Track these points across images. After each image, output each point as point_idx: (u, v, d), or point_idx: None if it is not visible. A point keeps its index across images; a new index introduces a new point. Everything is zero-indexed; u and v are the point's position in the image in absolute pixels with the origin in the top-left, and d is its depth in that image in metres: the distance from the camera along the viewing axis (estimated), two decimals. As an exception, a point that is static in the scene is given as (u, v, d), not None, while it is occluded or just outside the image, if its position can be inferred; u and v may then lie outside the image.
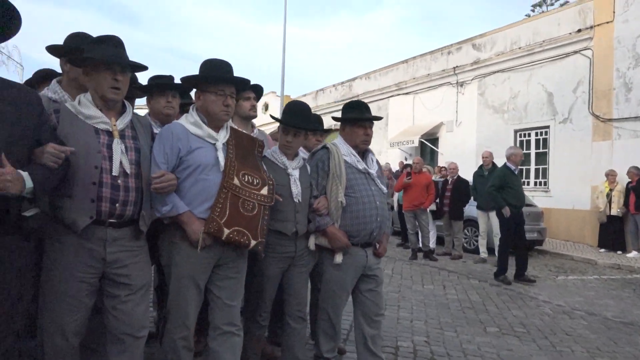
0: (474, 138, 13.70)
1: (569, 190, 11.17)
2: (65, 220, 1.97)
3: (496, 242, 8.13)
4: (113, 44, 2.09)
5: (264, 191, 2.36)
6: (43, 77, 2.78)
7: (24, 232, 1.84)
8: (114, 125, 2.09)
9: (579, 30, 11.26)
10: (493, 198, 6.78)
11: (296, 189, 2.67)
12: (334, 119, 3.09)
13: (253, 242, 2.28)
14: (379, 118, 3.08)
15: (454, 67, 14.50)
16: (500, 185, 6.69)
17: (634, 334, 4.59)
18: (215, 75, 2.36)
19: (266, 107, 23.73)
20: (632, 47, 10.19)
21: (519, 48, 12.65)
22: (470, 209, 8.83)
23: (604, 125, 10.62)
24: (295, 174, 2.71)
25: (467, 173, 9.44)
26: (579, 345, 4.15)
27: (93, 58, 2.04)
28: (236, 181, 2.26)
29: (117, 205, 2.03)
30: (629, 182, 9.52)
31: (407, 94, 16.42)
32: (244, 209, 2.27)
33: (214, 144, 2.30)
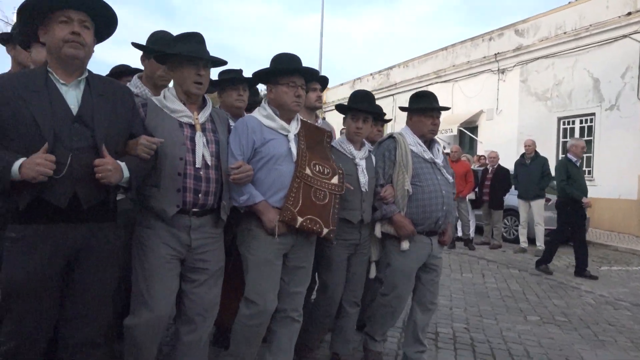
0: (515, 126, 13.40)
1: (615, 179, 10.84)
2: (155, 209, 2.07)
3: (537, 231, 8.05)
4: (196, 40, 2.17)
5: (335, 180, 2.43)
6: (120, 72, 2.90)
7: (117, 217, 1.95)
8: (196, 118, 2.17)
9: (629, 14, 10.80)
10: (567, 192, 6.39)
11: (364, 178, 2.73)
12: (401, 109, 3.11)
13: (325, 230, 2.33)
14: (447, 108, 3.06)
15: (496, 54, 14.17)
16: (566, 178, 6.42)
17: (681, 326, 4.51)
18: (287, 67, 2.43)
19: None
20: (686, 31, 9.75)
21: (564, 33, 12.24)
22: (511, 198, 8.70)
23: (654, 112, 10.25)
24: (362, 163, 2.76)
25: (507, 162, 9.31)
26: (623, 336, 4.13)
27: (179, 54, 2.13)
28: (308, 171, 2.34)
29: (200, 195, 2.11)
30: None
31: (446, 81, 16.15)
32: (316, 197, 2.33)
33: (286, 136, 2.38)
